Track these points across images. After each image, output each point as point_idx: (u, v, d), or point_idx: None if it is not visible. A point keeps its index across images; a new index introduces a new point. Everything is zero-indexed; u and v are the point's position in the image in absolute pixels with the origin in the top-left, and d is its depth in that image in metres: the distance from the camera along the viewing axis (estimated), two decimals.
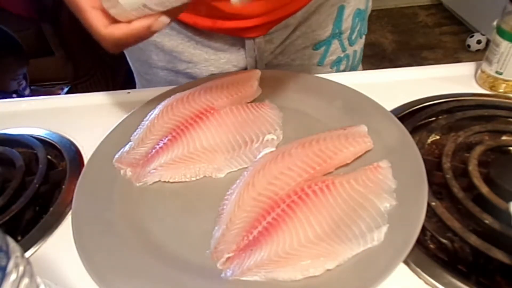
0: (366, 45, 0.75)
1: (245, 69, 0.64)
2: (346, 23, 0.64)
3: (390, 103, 0.52)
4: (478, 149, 0.43)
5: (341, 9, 0.63)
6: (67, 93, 1.63)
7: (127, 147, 0.48)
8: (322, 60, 0.67)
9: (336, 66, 0.68)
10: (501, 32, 0.51)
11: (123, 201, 0.43)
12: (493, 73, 0.53)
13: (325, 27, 0.63)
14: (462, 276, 0.34)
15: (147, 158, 0.46)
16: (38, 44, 1.50)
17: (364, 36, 0.71)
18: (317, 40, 0.64)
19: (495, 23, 0.52)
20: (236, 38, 0.61)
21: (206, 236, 0.39)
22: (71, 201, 0.42)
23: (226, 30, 0.59)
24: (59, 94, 1.63)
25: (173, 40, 0.62)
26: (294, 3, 0.58)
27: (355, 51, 0.70)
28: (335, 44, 0.66)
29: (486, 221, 0.36)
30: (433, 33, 2.48)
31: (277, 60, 0.65)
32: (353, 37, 0.67)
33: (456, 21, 2.51)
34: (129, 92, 0.61)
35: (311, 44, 0.64)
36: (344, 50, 0.68)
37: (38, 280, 0.27)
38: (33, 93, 1.46)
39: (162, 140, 0.48)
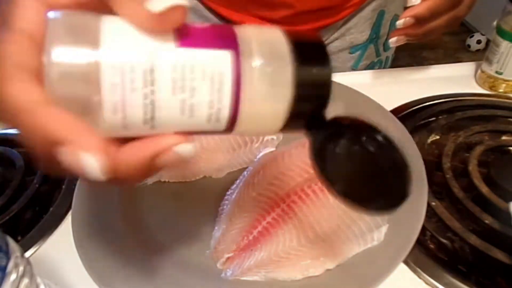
0: None
1: None
2: (384, 28, 0.65)
3: (390, 103, 0.52)
4: (478, 149, 0.43)
5: (381, 14, 0.63)
6: None
7: None
8: (356, 64, 0.67)
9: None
10: (501, 32, 0.51)
11: (123, 201, 0.43)
12: (493, 73, 0.53)
13: (363, 31, 0.63)
14: (462, 276, 0.34)
15: None
16: None
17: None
18: (354, 44, 0.64)
19: (495, 23, 0.52)
20: None
21: (206, 236, 0.39)
22: (71, 201, 0.42)
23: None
24: None
25: None
26: (344, 9, 0.59)
27: (387, 57, 0.70)
28: (371, 49, 0.66)
29: (486, 221, 0.36)
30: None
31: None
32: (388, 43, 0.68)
33: None
34: None
35: (347, 47, 0.65)
36: (378, 55, 0.68)
37: (38, 280, 0.27)
38: None
39: None
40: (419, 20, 0.45)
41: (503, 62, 0.52)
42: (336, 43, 0.64)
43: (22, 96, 0.19)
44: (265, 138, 0.48)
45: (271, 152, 0.46)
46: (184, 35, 0.20)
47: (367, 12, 0.62)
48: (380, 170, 0.23)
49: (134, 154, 0.21)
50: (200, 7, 0.60)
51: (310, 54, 0.22)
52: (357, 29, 0.63)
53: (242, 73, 0.21)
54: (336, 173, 0.25)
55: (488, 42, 2.11)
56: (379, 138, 0.23)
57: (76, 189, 0.43)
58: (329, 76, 0.23)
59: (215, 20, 0.60)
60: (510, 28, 0.49)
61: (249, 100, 0.21)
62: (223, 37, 0.21)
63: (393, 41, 0.49)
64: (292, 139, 0.47)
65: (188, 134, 0.22)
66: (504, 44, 0.50)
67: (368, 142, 0.23)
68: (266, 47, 0.21)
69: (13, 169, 0.47)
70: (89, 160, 0.19)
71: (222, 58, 0.20)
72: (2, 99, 0.19)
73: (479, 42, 2.20)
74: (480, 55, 0.61)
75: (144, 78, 0.19)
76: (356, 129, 0.24)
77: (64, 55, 0.18)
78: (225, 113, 0.21)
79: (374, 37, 0.65)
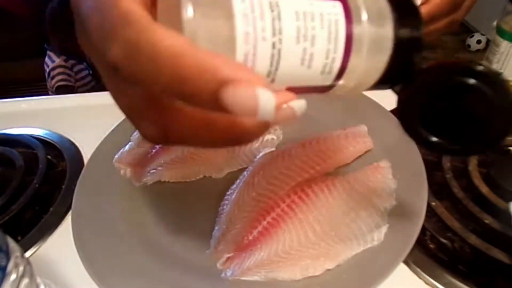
0: None
1: None
2: None
3: (390, 103, 0.51)
4: None
5: None
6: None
7: (127, 147, 0.48)
8: None
9: None
10: (501, 32, 0.51)
11: (123, 201, 0.43)
12: None
13: None
14: (462, 276, 0.34)
15: (147, 158, 0.46)
16: (38, 44, 1.50)
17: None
18: None
19: (495, 23, 0.52)
20: None
21: (206, 236, 0.39)
22: (71, 201, 0.42)
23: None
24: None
25: None
26: None
27: None
28: None
29: (486, 221, 0.36)
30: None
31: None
32: None
33: None
34: None
35: None
36: None
37: (38, 280, 0.27)
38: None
39: None
40: None
41: (503, 62, 0.52)
42: None
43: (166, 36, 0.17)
44: (265, 138, 0.48)
45: (271, 152, 0.46)
46: None
47: None
48: (480, 110, 0.24)
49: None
50: None
51: (407, 12, 0.23)
52: None
53: (353, 24, 0.21)
54: (432, 120, 0.26)
55: (488, 42, 2.11)
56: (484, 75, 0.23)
57: (76, 189, 0.43)
58: (421, 34, 0.24)
59: None
60: (510, 28, 0.49)
61: (357, 51, 0.22)
62: None
63: None
64: (292, 139, 0.47)
65: (297, 91, 0.21)
66: (504, 44, 0.50)
67: (462, 84, 0.23)
68: (371, 2, 0.22)
69: (13, 169, 0.47)
70: (265, 95, 0.17)
71: (336, 8, 0.21)
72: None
73: (479, 42, 2.20)
74: (480, 55, 0.61)
75: (272, 26, 0.19)
76: (448, 74, 0.24)
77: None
78: (338, 63, 0.21)
79: None
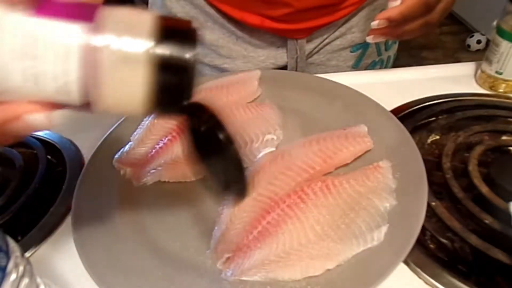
0: None
1: (284, 67, 0.65)
2: None
3: (390, 103, 0.52)
4: (478, 149, 0.43)
5: None
6: None
7: (127, 147, 0.48)
8: (357, 63, 0.67)
9: (369, 70, 0.69)
10: (501, 32, 0.51)
11: (123, 201, 0.43)
12: (493, 73, 0.53)
13: (364, 30, 0.63)
14: (462, 276, 0.34)
15: (147, 158, 0.46)
16: None
17: (398, 42, 0.72)
18: (355, 42, 0.65)
19: (495, 23, 0.52)
20: (277, 36, 0.62)
21: (206, 236, 0.39)
22: (71, 201, 0.42)
23: (273, 30, 0.60)
24: None
25: (214, 34, 0.62)
26: (344, 7, 0.60)
27: (389, 56, 0.71)
28: (372, 48, 0.67)
29: (486, 221, 0.36)
30: (432, 33, 2.48)
31: (312, 59, 0.66)
32: (390, 42, 0.69)
33: (456, 21, 2.51)
34: None
35: (349, 45, 0.65)
36: (379, 54, 0.68)
37: (38, 280, 0.27)
38: None
39: (162, 140, 0.48)
40: (392, 23, 0.48)
41: (503, 62, 0.52)
42: (337, 42, 0.64)
43: None
44: (265, 138, 0.48)
45: (271, 152, 0.46)
46: (42, 7, 0.21)
47: (368, 12, 0.62)
48: (225, 164, 0.27)
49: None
50: (202, 3, 0.60)
51: (173, 41, 0.22)
52: (358, 28, 0.63)
53: (91, 49, 0.21)
54: (203, 157, 0.29)
55: (488, 42, 2.11)
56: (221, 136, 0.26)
57: (76, 189, 0.43)
58: (189, 65, 0.22)
59: (217, 16, 0.61)
60: (510, 28, 0.49)
61: (100, 78, 0.21)
62: (81, 13, 0.21)
63: (370, 39, 0.52)
64: (292, 139, 0.47)
65: (47, 104, 0.22)
66: (504, 44, 0.50)
67: (219, 136, 0.26)
68: (125, 27, 0.21)
69: (13, 169, 0.47)
70: None
71: (70, 32, 0.20)
72: None
73: (479, 42, 2.20)
74: (480, 55, 0.61)
75: None
76: (210, 123, 0.27)
77: None
78: (74, 87, 0.21)
79: None
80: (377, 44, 0.66)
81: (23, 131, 0.22)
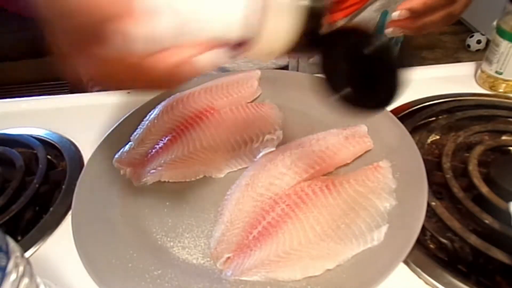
0: None
1: (285, 67, 0.64)
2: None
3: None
4: (478, 149, 0.43)
5: (384, 14, 0.63)
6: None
7: (127, 147, 0.48)
8: None
9: None
10: (501, 32, 0.51)
11: (123, 201, 0.43)
12: (493, 73, 0.53)
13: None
14: (462, 276, 0.34)
15: (147, 158, 0.46)
16: (39, 43, 1.51)
17: (400, 43, 0.71)
18: None
19: (495, 23, 0.51)
20: None
21: (206, 236, 0.39)
22: (71, 201, 0.42)
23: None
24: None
25: None
26: (345, 8, 0.59)
27: None
28: None
29: (486, 221, 0.36)
30: (433, 33, 2.48)
31: (313, 59, 0.65)
32: (392, 43, 0.68)
33: (456, 21, 2.51)
34: (129, 92, 0.61)
35: None
36: None
37: (38, 280, 0.27)
38: None
39: (162, 140, 0.48)
40: (414, 14, 0.46)
41: (503, 62, 0.52)
42: None
43: None
44: (265, 138, 0.48)
45: (271, 152, 0.46)
46: None
47: (370, 12, 0.62)
48: (374, 72, 0.27)
49: (159, 62, 0.23)
50: None
51: None
52: None
53: None
54: (339, 79, 0.29)
55: (488, 42, 2.11)
56: (374, 42, 0.26)
57: (76, 189, 0.43)
58: (323, 4, 0.26)
59: None
60: (510, 28, 0.49)
61: (262, 14, 0.24)
62: None
63: (389, 31, 0.50)
64: (292, 139, 0.47)
65: (210, 45, 0.24)
66: (504, 44, 0.50)
67: (363, 47, 0.26)
68: None
69: (13, 169, 0.47)
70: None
71: None
72: None
73: (479, 42, 2.20)
74: (480, 55, 0.61)
75: None
76: (352, 37, 0.27)
77: None
78: (239, 23, 0.24)
79: None
80: None
81: (193, 73, 0.24)
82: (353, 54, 0.27)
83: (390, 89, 0.27)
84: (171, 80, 0.24)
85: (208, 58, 0.24)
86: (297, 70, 0.65)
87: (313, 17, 0.26)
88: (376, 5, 0.62)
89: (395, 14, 0.47)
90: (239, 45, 0.25)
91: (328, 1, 0.26)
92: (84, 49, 0.23)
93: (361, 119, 0.47)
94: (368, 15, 0.62)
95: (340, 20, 0.60)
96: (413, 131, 0.46)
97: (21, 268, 0.24)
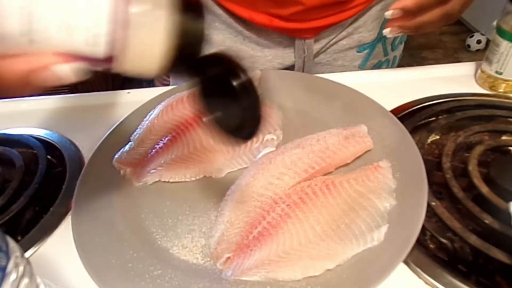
0: None
1: (291, 67, 0.64)
2: None
3: (390, 103, 0.52)
4: (478, 149, 0.43)
5: None
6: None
7: (127, 147, 0.48)
8: (364, 63, 0.67)
9: (375, 69, 0.69)
10: (501, 32, 0.51)
11: (123, 201, 0.43)
12: (493, 73, 0.53)
13: (371, 30, 0.63)
14: (462, 276, 0.34)
15: (147, 158, 0.46)
16: None
17: (404, 42, 0.71)
18: (362, 42, 0.64)
19: (495, 23, 0.51)
20: (285, 36, 0.61)
21: (206, 236, 0.39)
22: (71, 201, 0.42)
23: (281, 29, 0.60)
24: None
25: (221, 34, 0.62)
26: (353, 7, 0.59)
27: (395, 57, 0.70)
28: (379, 48, 0.66)
29: (486, 221, 0.36)
30: (433, 33, 2.48)
31: (319, 59, 0.65)
32: (396, 42, 0.68)
33: (456, 21, 2.51)
34: (129, 92, 0.61)
35: (355, 45, 0.65)
36: (386, 54, 0.68)
37: (38, 280, 0.27)
38: None
39: (162, 140, 0.48)
40: (407, 13, 0.46)
41: (503, 62, 0.52)
42: (344, 42, 0.64)
43: None
44: (265, 138, 0.48)
45: (271, 152, 0.46)
46: None
47: (376, 12, 0.62)
48: (240, 106, 0.28)
49: (14, 65, 0.23)
50: (210, 2, 0.60)
51: (187, 6, 0.25)
52: (365, 28, 0.63)
53: (120, 4, 0.23)
54: (213, 101, 0.30)
55: (488, 42, 2.11)
56: (241, 75, 0.27)
57: (76, 189, 0.43)
58: (202, 27, 0.26)
59: (224, 16, 0.60)
60: (510, 28, 0.49)
61: (127, 31, 0.23)
62: None
63: (387, 32, 0.50)
64: (292, 139, 0.47)
65: (71, 56, 0.24)
66: (504, 44, 0.50)
67: (232, 78, 0.27)
68: None
69: (13, 169, 0.47)
70: None
71: None
72: None
73: (479, 42, 2.20)
74: (480, 55, 0.61)
75: None
76: (225, 68, 0.28)
77: None
78: (102, 39, 0.23)
79: (382, 36, 0.65)
80: (383, 44, 0.66)
81: (49, 81, 0.24)
82: (224, 82, 0.27)
83: (250, 123, 0.28)
84: (25, 86, 0.24)
85: (69, 69, 0.24)
86: (303, 71, 0.65)
87: (187, 38, 0.25)
88: (381, 4, 0.62)
89: (388, 14, 0.47)
90: (104, 60, 0.24)
91: (203, 24, 0.26)
92: None
93: (361, 120, 0.47)
94: (374, 14, 0.62)
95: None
96: (413, 131, 0.46)
97: (21, 268, 0.24)
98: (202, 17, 0.26)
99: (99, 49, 0.23)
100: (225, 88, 0.28)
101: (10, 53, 0.23)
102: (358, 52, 0.65)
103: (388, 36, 0.50)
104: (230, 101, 0.28)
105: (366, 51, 0.66)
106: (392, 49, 0.68)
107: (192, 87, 0.30)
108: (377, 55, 0.67)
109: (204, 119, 0.31)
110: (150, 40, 0.24)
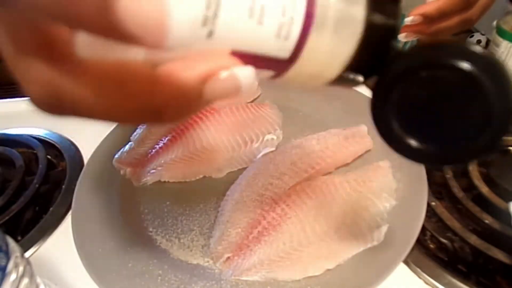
0: None
1: None
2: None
3: None
4: None
5: (401, 18, 0.62)
6: None
7: (127, 147, 0.48)
8: None
9: None
10: (501, 32, 0.50)
11: (123, 201, 0.43)
12: None
13: None
14: (462, 276, 0.34)
15: (147, 158, 0.46)
16: None
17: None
18: None
19: (495, 23, 0.51)
20: None
21: (206, 236, 0.39)
22: (71, 201, 0.42)
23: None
24: None
25: None
26: None
27: None
28: None
29: (486, 221, 0.36)
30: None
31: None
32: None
33: None
34: None
35: None
36: None
37: (38, 280, 0.27)
38: None
39: (162, 140, 0.48)
40: (428, 20, 0.45)
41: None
42: None
43: None
44: (265, 138, 0.48)
45: (271, 152, 0.46)
46: None
47: None
48: (460, 115, 0.19)
49: (181, 71, 0.15)
50: None
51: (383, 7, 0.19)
52: None
53: None
54: (407, 124, 0.20)
55: (488, 42, 2.11)
56: (464, 71, 0.18)
57: (76, 189, 0.43)
58: (397, 22, 0.20)
59: None
60: (510, 28, 0.49)
61: (319, 23, 0.17)
62: None
63: (402, 36, 0.49)
64: (292, 139, 0.47)
65: (245, 59, 0.17)
66: (504, 44, 0.50)
67: (448, 79, 0.18)
68: None
69: (13, 169, 0.47)
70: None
71: None
72: None
73: (479, 42, 2.20)
74: None
75: None
76: (434, 62, 0.19)
77: None
78: (297, 27, 0.17)
79: None
80: None
81: (229, 91, 0.16)
82: (440, 84, 0.19)
83: (493, 132, 0.19)
84: (199, 98, 0.15)
85: (250, 74, 0.17)
86: None
87: (379, 37, 0.19)
88: None
89: (408, 20, 0.46)
90: (284, 63, 0.18)
91: (400, 17, 0.19)
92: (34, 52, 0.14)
93: (361, 120, 0.47)
94: None
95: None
96: None
97: (21, 268, 0.24)
98: (397, 9, 0.19)
99: (289, 44, 0.17)
100: (445, 91, 0.19)
101: (178, 55, 0.15)
102: None
103: (404, 40, 0.50)
104: (447, 109, 0.19)
105: None
106: None
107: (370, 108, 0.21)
108: None
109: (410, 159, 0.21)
110: (339, 36, 0.18)
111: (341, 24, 0.18)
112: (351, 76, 0.20)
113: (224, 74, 0.16)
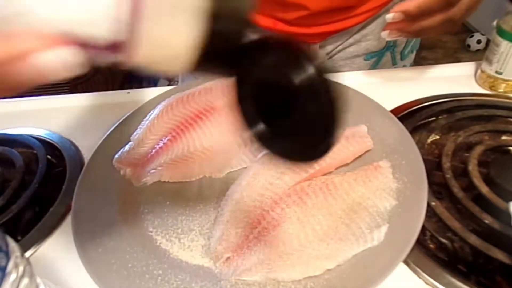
0: None
1: None
2: None
3: (390, 103, 0.52)
4: (478, 149, 0.43)
5: None
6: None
7: (127, 147, 0.48)
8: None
9: None
10: (501, 32, 0.51)
11: (123, 201, 0.43)
12: (493, 73, 0.53)
13: (379, 37, 0.62)
14: (462, 276, 0.34)
15: (147, 158, 0.46)
16: None
17: (415, 52, 0.70)
18: (370, 50, 0.64)
19: (495, 23, 0.51)
20: None
21: (206, 236, 0.39)
22: (71, 201, 0.42)
23: (285, 33, 0.59)
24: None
25: None
26: (360, 14, 0.58)
27: (404, 66, 0.69)
28: (387, 56, 0.65)
29: (486, 221, 0.36)
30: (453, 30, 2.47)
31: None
32: (406, 51, 0.67)
33: None
34: (129, 92, 0.61)
35: (362, 53, 0.64)
36: (394, 63, 0.67)
37: (38, 280, 0.27)
38: None
39: (162, 140, 0.48)
40: (409, 17, 0.45)
41: (503, 62, 0.52)
42: (351, 49, 0.63)
43: None
44: None
45: None
46: None
47: (384, 19, 0.61)
48: (304, 113, 0.20)
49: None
50: None
51: None
52: (373, 36, 0.62)
53: None
54: (254, 111, 0.21)
55: (488, 42, 2.11)
56: (309, 72, 0.19)
57: (76, 189, 0.43)
58: (243, 8, 0.19)
59: None
60: (510, 28, 0.49)
61: (141, 7, 0.16)
62: None
63: (385, 34, 0.49)
64: None
65: (63, 39, 0.16)
66: (504, 44, 0.50)
67: (294, 76, 0.19)
68: None
69: (13, 169, 0.47)
70: None
71: None
72: None
73: (479, 42, 2.20)
74: (480, 55, 0.61)
75: None
76: (281, 59, 0.19)
77: None
78: (104, 15, 0.16)
79: (391, 45, 0.64)
80: (392, 52, 0.65)
81: (28, 77, 0.16)
82: (278, 80, 0.19)
83: (320, 137, 0.20)
84: (6, 81, 0.16)
85: (56, 56, 0.16)
86: None
87: (228, 21, 0.18)
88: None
89: (388, 17, 0.46)
90: (108, 49, 0.17)
91: (252, 2, 0.19)
92: None
93: (361, 120, 0.47)
94: (383, 21, 0.61)
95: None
96: (413, 131, 0.46)
97: (21, 268, 0.24)
98: None
99: (100, 31, 0.16)
100: (282, 86, 0.20)
101: None
102: (365, 60, 0.65)
103: (387, 39, 0.50)
104: (289, 107, 0.20)
105: (373, 59, 0.65)
106: (402, 58, 0.67)
107: (229, 89, 0.22)
108: (385, 64, 0.66)
109: (244, 135, 0.23)
110: (175, 22, 0.17)
111: (179, 8, 0.17)
112: (208, 63, 0.20)
113: (21, 60, 0.15)
